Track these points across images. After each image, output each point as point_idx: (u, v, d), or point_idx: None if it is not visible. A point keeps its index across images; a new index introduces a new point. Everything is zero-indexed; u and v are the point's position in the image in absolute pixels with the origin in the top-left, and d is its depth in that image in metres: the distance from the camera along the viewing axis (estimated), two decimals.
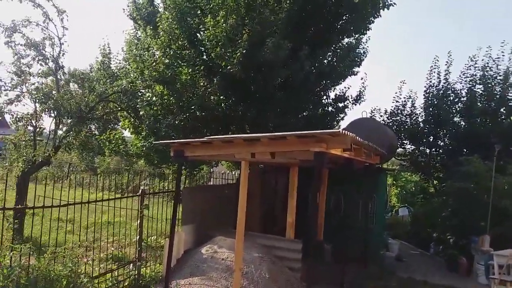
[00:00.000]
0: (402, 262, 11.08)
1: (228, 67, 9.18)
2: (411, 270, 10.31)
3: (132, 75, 10.50)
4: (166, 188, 12.78)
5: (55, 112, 9.10)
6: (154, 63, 9.53)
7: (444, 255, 11.42)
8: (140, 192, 7.23)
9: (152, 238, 10.35)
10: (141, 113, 9.92)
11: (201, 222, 9.22)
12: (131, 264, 7.43)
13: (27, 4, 9.44)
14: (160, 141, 7.66)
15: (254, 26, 9.00)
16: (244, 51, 8.81)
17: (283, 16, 9.25)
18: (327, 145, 5.96)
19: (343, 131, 5.70)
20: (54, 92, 9.26)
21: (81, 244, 7.07)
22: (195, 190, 9.12)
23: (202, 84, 9.59)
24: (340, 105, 14.27)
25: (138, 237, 7.39)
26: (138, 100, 9.90)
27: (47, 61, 9.56)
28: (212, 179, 18.57)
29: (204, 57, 10.23)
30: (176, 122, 9.19)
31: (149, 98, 10.00)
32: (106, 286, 6.74)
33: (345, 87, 15.43)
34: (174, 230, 7.23)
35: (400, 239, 14.01)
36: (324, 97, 14.14)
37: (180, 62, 9.78)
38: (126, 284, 7.04)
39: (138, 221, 7.32)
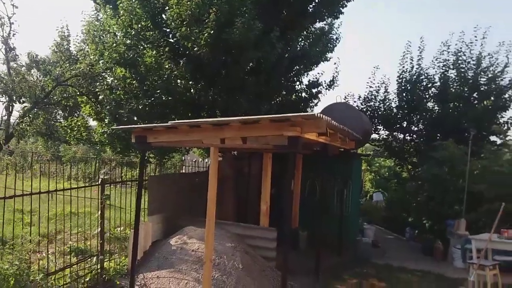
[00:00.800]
0: (378, 248, 10.94)
1: (195, 49, 8.66)
2: (387, 256, 10.18)
3: (92, 57, 9.79)
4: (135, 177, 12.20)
5: (6, 97, 8.37)
6: (115, 45, 8.88)
7: (420, 240, 11.37)
8: (100, 181, 6.68)
9: (119, 229, 9.84)
10: (100, 97, 9.25)
11: (170, 212, 8.76)
12: (94, 258, 6.88)
13: None
14: (121, 126, 7.12)
15: (222, 6, 8.48)
16: (212, 32, 8.31)
17: None
18: (301, 129, 5.59)
19: (318, 114, 5.32)
20: (3, 75, 8.49)
21: (32, 239, 6.47)
22: (163, 179, 8.62)
23: (167, 67, 8.99)
24: (314, 90, 13.98)
25: (99, 228, 6.84)
26: (97, 84, 9.23)
27: None
28: (184, 167, 18.04)
29: (170, 39, 9.66)
30: (140, 107, 8.60)
31: (110, 82, 9.31)
32: (64, 282, 6.17)
33: (318, 73, 15.13)
34: (139, 220, 6.74)
35: (375, 224, 13.94)
36: (297, 82, 13.82)
37: (143, 43, 9.17)
38: (88, 279, 6.50)
39: (99, 212, 6.78)
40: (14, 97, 8.43)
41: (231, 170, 11.43)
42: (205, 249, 6.04)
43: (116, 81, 9.26)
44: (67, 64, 10.13)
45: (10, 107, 9.06)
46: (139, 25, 9.45)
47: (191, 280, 6.50)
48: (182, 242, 7.37)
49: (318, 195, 10.43)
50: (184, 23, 8.39)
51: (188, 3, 8.28)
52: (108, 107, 8.97)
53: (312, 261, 8.28)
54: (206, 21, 8.42)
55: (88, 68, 9.27)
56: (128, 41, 9.18)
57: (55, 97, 9.92)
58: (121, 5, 8.98)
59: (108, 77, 9.63)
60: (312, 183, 10.84)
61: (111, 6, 9.78)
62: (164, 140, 6.33)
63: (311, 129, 5.62)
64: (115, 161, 20.29)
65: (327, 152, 7.83)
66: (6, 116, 9.24)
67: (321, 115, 5.39)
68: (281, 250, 5.91)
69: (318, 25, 13.27)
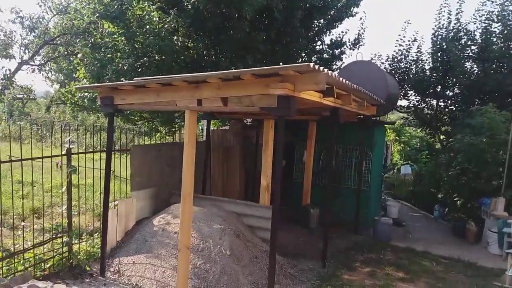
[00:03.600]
0: (401, 227, 9.71)
1: None
2: (411, 238, 8.95)
3: (83, 11, 8.67)
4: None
5: None
6: None
7: (450, 219, 10.04)
8: (66, 151, 5.71)
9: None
10: (79, 56, 8.18)
11: (162, 186, 7.80)
12: (63, 238, 5.97)
13: None
14: (82, 86, 6.08)
15: None
16: None
17: None
18: (294, 86, 4.41)
19: (315, 65, 4.09)
20: None
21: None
22: (150, 149, 7.60)
23: (158, 19, 7.81)
24: (337, 51, 12.61)
25: (65, 206, 5.93)
26: (78, 41, 8.16)
27: None
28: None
29: None
30: (125, 67, 7.49)
31: (98, 40, 8.16)
32: (16, 270, 5.26)
33: (342, 31, 13.71)
34: (108, 197, 5.80)
35: (402, 199, 12.66)
36: (319, 42, 12.45)
37: None
38: (49, 265, 5.63)
39: (64, 187, 5.84)
40: None
41: (238, 140, 10.37)
42: (180, 233, 5.02)
43: (103, 38, 8.14)
44: (57, 20, 9.02)
45: None
46: None
47: (168, 268, 5.54)
48: (165, 222, 6.39)
49: (333, 168, 9.21)
50: None
51: None
52: (90, 67, 7.87)
53: (321, 243, 7.21)
54: None
55: (70, 23, 8.15)
56: None
57: (41, 57, 8.92)
58: None
59: (96, 33, 8.48)
60: (327, 154, 9.61)
61: None
62: (132, 101, 5.29)
63: (307, 86, 4.43)
64: (134, 130, 19.51)
65: (338, 118, 6.57)
66: None
67: (319, 67, 4.16)
68: (272, 229, 4.82)
69: None
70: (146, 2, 8.10)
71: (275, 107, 4.48)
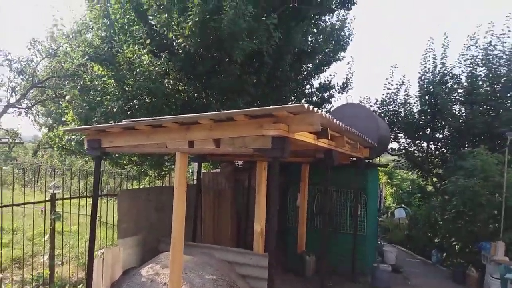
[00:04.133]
0: (399, 274, 9.36)
1: (179, 40, 7.44)
2: (410, 285, 8.60)
3: (73, 54, 8.60)
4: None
5: None
6: (88, 37, 7.71)
7: (449, 264, 9.72)
8: (50, 196, 5.42)
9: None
10: (67, 98, 8.03)
11: (149, 233, 7.44)
12: None
13: None
14: (69, 128, 5.89)
15: None
16: (197, 19, 7.04)
17: None
18: (289, 127, 4.28)
19: (309, 106, 3.98)
20: None
21: None
22: (138, 193, 7.32)
23: (148, 62, 7.76)
24: (325, 94, 12.75)
25: (46, 257, 5.57)
26: (66, 83, 8.04)
27: None
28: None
29: (155, 33, 8.47)
30: (114, 110, 7.34)
31: (86, 82, 8.04)
32: None
33: (330, 74, 13.95)
34: (94, 245, 5.46)
35: (398, 244, 12.35)
36: (308, 86, 12.59)
37: (122, 36, 7.97)
38: None
39: (47, 235, 5.50)
40: None
41: (229, 184, 10.10)
42: (169, 287, 4.68)
43: (92, 80, 8.03)
44: (46, 62, 8.93)
45: None
46: (125, 19, 8.36)
47: None
48: (154, 272, 6.01)
49: (328, 212, 8.94)
50: (162, 8, 7.14)
51: None
52: (79, 110, 7.67)
53: None
54: (190, 6, 7.18)
55: (60, 66, 8.05)
56: (103, 33, 7.98)
57: (30, 100, 8.78)
58: None
59: (85, 76, 8.37)
60: (321, 197, 9.37)
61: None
62: (121, 144, 5.09)
63: (301, 127, 4.29)
64: (122, 174, 19.14)
65: (332, 160, 6.41)
66: None
67: (313, 108, 4.05)
68: (271, 280, 4.53)
69: (329, 20, 12.08)
70: (136, 46, 8.11)
71: (269, 149, 4.33)
